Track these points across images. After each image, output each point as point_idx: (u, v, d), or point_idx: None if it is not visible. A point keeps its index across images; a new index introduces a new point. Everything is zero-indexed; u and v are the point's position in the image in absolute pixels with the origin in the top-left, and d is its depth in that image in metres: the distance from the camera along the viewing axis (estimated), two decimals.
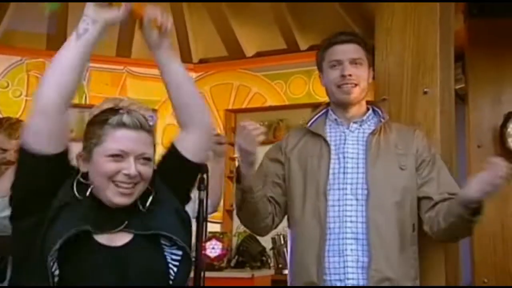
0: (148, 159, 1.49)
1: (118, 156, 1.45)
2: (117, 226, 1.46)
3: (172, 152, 1.61)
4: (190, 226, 1.58)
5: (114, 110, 1.51)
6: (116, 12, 1.46)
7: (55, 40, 4.71)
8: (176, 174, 1.59)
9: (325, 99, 4.74)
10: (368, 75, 2.09)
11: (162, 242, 1.48)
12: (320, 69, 2.14)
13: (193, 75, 5.39)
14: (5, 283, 2.58)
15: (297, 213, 2.04)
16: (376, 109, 2.14)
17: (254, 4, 4.67)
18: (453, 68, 2.42)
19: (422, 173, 2.03)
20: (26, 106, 4.68)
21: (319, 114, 2.15)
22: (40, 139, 1.40)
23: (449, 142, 2.32)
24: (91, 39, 1.43)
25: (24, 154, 1.42)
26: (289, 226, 2.11)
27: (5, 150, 2.80)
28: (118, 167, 1.44)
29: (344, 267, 1.92)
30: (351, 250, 1.93)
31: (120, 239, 1.46)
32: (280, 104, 5.17)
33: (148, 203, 1.51)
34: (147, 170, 1.48)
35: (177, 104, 1.61)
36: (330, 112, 2.14)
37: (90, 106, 5.02)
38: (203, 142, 1.64)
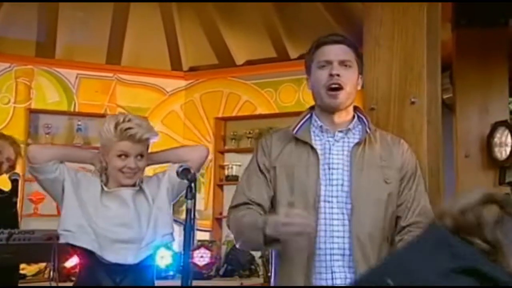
0: None
1: None
2: None
3: None
4: None
5: None
6: None
7: (44, 47, 4.69)
8: None
9: None
10: (356, 80, 2.02)
11: None
12: (308, 72, 2.06)
13: (183, 83, 5.40)
14: None
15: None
16: (361, 116, 2.06)
17: (244, 12, 4.69)
18: (440, 78, 2.42)
19: (401, 190, 1.97)
20: (14, 113, 4.66)
21: (304, 120, 2.07)
22: None
23: (436, 151, 2.33)
24: None
25: None
26: None
27: None
28: None
29: (332, 285, 1.87)
30: (338, 267, 1.88)
31: None
32: (270, 112, 5.17)
33: None
34: None
35: None
36: (315, 117, 2.06)
37: (78, 114, 5.04)
38: None
